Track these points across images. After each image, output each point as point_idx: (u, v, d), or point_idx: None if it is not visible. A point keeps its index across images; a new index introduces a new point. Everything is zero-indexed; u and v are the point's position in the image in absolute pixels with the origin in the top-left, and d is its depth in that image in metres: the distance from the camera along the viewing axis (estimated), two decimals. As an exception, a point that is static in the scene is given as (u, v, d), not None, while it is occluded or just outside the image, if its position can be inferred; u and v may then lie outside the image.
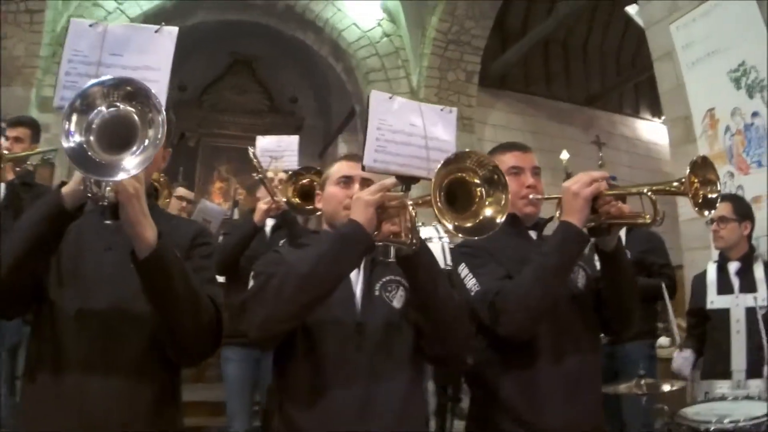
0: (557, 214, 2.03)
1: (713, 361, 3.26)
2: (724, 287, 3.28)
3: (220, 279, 3.27)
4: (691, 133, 4.25)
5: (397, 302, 1.85)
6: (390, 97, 1.87)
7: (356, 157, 2.03)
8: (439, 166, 1.59)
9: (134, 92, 1.34)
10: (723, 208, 3.22)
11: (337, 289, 1.69)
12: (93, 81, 1.35)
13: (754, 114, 3.82)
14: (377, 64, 9.22)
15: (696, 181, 1.77)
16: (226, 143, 11.85)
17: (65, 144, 1.30)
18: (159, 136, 1.33)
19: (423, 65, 8.90)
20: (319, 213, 3.85)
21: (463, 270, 2.06)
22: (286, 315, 1.64)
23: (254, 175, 3.74)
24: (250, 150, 3.80)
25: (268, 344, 1.80)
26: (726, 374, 3.13)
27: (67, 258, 1.64)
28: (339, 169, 2.01)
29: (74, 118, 1.33)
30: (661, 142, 10.56)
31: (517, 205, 2.10)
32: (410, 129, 1.86)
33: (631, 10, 5.57)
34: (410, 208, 1.63)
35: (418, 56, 9.05)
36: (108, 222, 1.44)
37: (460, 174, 1.62)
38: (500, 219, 1.62)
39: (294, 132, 7.62)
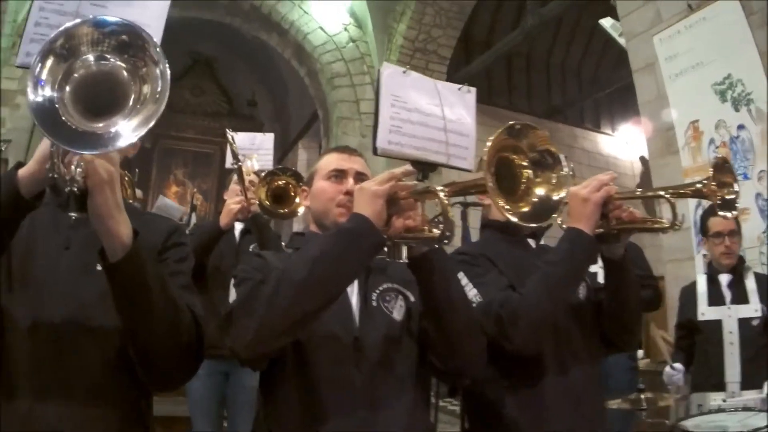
0: (559, 221, 1.90)
1: (705, 374, 3.22)
2: (715, 299, 3.24)
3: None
4: (672, 145, 4.24)
5: (397, 313, 1.63)
6: (404, 72, 1.70)
7: (348, 148, 1.85)
8: (499, 131, 1.39)
9: (129, 42, 1.08)
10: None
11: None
12: (87, 18, 1.07)
13: (740, 127, 3.83)
14: (342, 69, 9.10)
15: (713, 183, 1.68)
16: (182, 146, 11.51)
17: (32, 97, 1.02)
18: (159, 89, 1.08)
19: (389, 72, 8.79)
20: (295, 215, 3.68)
21: (462, 279, 1.85)
22: (281, 328, 1.38)
23: (231, 163, 3.43)
24: (229, 133, 3.46)
25: (259, 363, 1.53)
26: (719, 386, 3.09)
27: (18, 257, 1.36)
28: (329, 161, 1.79)
29: (50, 62, 1.05)
30: (621, 156, 10.75)
31: None
32: (427, 108, 1.68)
33: (606, 23, 5.56)
34: (441, 194, 1.38)
35: (384, 63, 8.95)
36: (73, 215, 1.18)
37: (508, 154, 1.44)
38: (558, 196, 1.45)
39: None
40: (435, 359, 1.61)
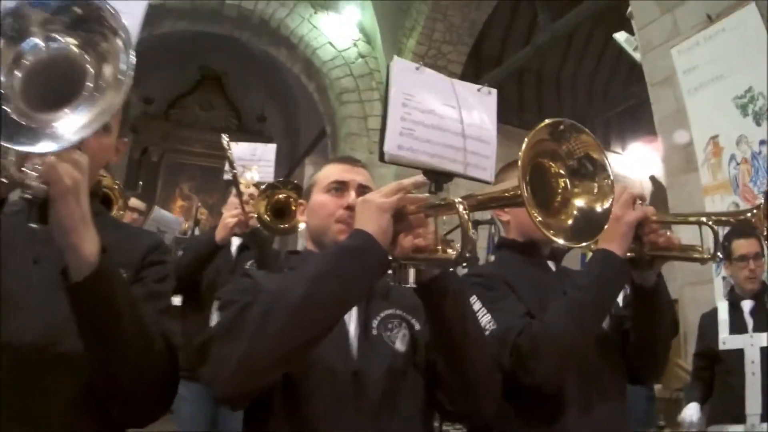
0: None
1: (725, 406, 3.02)
2: (737, 326, 3.06)
3: (175, 300, 2.51)
4: (692, 161, 4.05)
5: (400, 343, 1.45)
6: (417, 68, 1.54)
7: (350, 159, 1.68)
8: (538, 128, 1.18)
9: (83, 15, 0.92)
10: (754, 245, 2.99)
11: None
12: None
13: (762, 142, 3.64)
14: (351, 85, 9.02)
15: (763, 214, 1.51)
16: (190, 160, 11.49)
17: None
18: (123, 67, 0.90)
19: (398, 88, 8.70)
20: (296, 231, 3.51)
21: (475, 304, 1.67)
22: (270, 360, 1.18)
23: (225, 171, 3.23)
24: (224, 138, 3.28)
25: (240, 402, 1.31)
26: (740, 418, 2.89)
27: None
28: (329, 172, 1.62)
29: None
30: (631, 175, 10.58)
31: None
32: (443, 110, 1.51)
33: (620, 37, 5.41)
34: (461, 208, 1.17)
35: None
36: (33, 226, 1.00)
37: (545, 161, 1.23)
38: (601, 207, 1.25)
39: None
40: (444, 398, 1.43)
